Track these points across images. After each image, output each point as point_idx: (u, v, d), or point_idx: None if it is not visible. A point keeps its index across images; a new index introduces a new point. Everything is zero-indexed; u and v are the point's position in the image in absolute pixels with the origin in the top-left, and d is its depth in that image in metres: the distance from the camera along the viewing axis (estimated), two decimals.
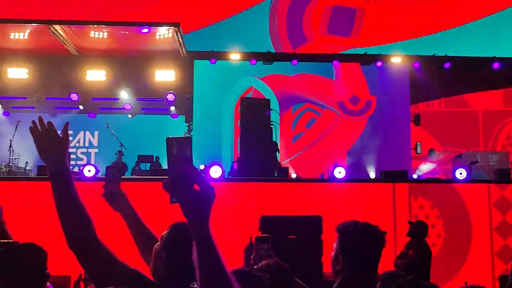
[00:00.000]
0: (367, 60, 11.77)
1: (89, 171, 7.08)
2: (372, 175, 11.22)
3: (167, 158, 1.20)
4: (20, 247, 2.28)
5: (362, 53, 11.77)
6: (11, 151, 9.59)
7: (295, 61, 11.62)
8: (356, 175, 10.11)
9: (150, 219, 2.36)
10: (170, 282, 1.84)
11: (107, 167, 2.32)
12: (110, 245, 1.84)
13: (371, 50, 11.81)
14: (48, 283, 2.31)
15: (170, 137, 1.21)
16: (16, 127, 9.54)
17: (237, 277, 1.29)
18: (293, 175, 10.11)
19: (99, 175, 7.02)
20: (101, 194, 2.20)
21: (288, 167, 8.91)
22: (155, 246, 1.94)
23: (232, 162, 9.99)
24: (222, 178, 7.21)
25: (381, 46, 11.92)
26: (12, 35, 10.10)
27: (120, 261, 1.82)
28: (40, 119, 1.80)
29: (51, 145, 1.76)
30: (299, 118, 12.14)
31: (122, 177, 2.05)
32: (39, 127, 1.78)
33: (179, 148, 1.19)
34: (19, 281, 2.11)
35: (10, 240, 2.83)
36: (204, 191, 1.15)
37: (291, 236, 5.57)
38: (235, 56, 11.41)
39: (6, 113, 11.82)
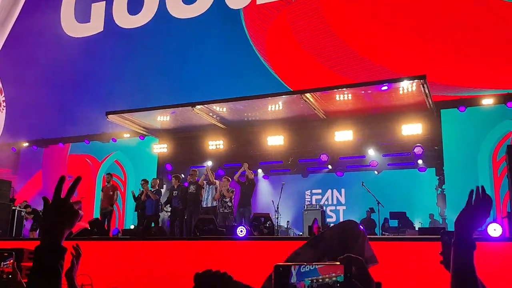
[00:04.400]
0: None
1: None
2: None
3: None
4: None
5: None
6: (276, 212, 10.47)
7: None
8: None
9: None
10: None
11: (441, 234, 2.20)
12: None
13: None
14: None
15: None
16: (282, 189, 10.41)
17: None
18: None
19: None
20: (440, 262, 2.09)
21: None
22: None
23: (502, 217, 8.98)
24: (502, 238, 6.48)
25: None
26: (269, 107, 11.34)
27: None
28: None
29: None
30: None
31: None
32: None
33: None
34: None
35: None
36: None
37: None
38: (487, 101, 10.55)
39: (265, 177, 13.16)
